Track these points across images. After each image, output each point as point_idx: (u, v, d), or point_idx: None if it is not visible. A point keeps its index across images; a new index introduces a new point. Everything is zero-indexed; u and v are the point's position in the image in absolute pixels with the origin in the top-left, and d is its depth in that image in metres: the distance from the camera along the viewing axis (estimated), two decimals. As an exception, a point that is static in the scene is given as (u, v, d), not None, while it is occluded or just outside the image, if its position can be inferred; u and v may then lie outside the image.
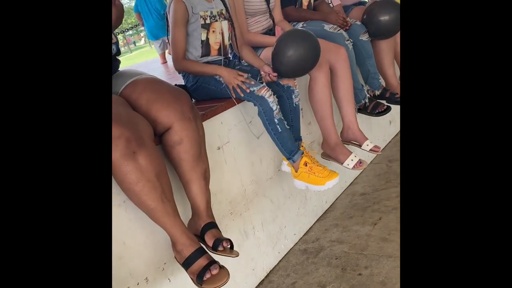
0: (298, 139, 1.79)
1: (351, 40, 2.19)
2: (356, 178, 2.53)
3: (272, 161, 1.90)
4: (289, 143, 1.70)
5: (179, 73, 1.80)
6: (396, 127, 3.00)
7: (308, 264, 1.85)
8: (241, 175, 1.74)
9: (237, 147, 1.72)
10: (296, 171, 1.76)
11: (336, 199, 2.35)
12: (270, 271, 1.86)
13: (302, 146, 1.77)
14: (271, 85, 1.70)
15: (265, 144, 1.84)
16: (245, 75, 1.61)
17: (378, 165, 2.61)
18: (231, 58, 1.88)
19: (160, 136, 1.33)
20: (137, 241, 1.32)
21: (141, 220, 1.32)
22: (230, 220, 1.67)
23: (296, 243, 2.03)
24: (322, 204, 2.25)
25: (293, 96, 1.75)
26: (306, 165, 1.72)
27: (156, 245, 1.37)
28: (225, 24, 1.75)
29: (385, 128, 2.87)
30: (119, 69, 1.47)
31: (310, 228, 2.13)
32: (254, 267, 1.79)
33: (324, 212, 2.24)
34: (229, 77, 1.61)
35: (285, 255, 1.96)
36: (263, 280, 1.82)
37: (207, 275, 1.22)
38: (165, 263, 1.39)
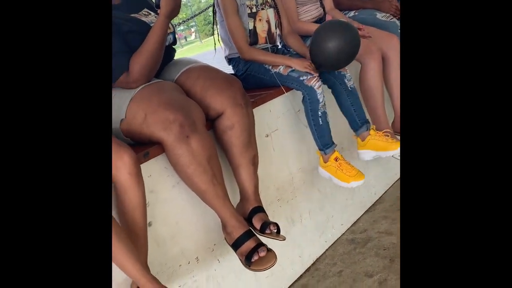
0: (364, 122, 1.76)
1: (405, 28, 2.13)
2: (406, 170, 2.46)
3: (320, 150, 1.89)
4: (326, 136, 1.68)
5: (229, 63, 1.84)
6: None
7: (355, 254, 1.84)
8: (288, 163, 1.76)
9: (285, 135, 1.73)
10: (325, 162, 1.74)
11: (386, 191, 2.31)
12: (317, 259, 1.87)
13: (371, 128, 1.75)
14: (322, 72, 1.69)
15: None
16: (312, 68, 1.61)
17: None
18: (279, 46, 1.89)
19: (212, 121, 1.37)
20: (189, 222, 1.38)
21: (193, 202, 1.37)
22: (277, 207, 1.70)
23: (344, 233, 2.02)
24: (371, 196, 2.21)
25: (346, 80, 1.73)
26: (336, 160, 1.70)
27: (207, 227, 1.42)
28: (271, 12, 1.77)
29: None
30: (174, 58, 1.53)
31: (358, 219, 2.11)
32: (301, 254, 1.80)
33: (373, 204, 2.21)
34: (301, 67, 1.62)
35: (332, 244, 1.95)
36: (309, 267, 1.83)
37: (255, 257, 1.25)
38: (214, 244, 1.45)
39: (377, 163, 2.06)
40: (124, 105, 1.27)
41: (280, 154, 1.71)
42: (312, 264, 1.85)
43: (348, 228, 2.05)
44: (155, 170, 1.28)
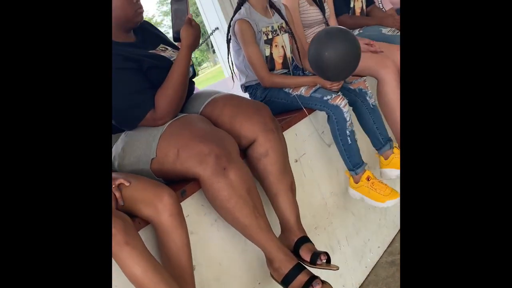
0: (387, 140, 1.71)
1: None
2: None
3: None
4: (356, 155, 1.62)
5: (245, 91, 1.79)
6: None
7: (399, 276, 1.73)
8: (320, 187, 1.68)
9: (313, 158, 1.67)
10: (356, 183, 1.67)
11: (415, 207, 2.22)
12: (360, 286, 1.76)
13: (395, 147, 1.69)
14: (343, 92, 1.65)
15: (338, 154, 1.77)
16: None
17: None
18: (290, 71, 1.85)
19: (244, 151, 1.30)
20: (231, 261, 1.28)
21: (233, 239, 1.29)
22: (316, 235, 1.60)
23: (381, 255, 1.92)
24: (402, 213, 2.13)
25: (367, 98, 1.69)
26: (368, 180, 1.64)
27: (249, 264, 1.32)
28: (286, 37, 1.74)
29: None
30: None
31: (393, 239, 2.01)
32: (344, 284, 1.69)
33: (405, 222, 2.12)
34: (325, 85, 1.57)
35: (373, 268, 1.85)
36: (353, 297, 1.72)
37: (311, 291, 1.15)
38: (259, 283, 1.34)
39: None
40: (154, 143, 1.20)
41: (311, 179, 1.64)
42: (356, 293, 1.74)
43: (385, 250, 1.95)
44: (192, 209, 1.20)
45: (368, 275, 1.82)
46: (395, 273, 1.76)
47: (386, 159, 1.74)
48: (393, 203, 1.62)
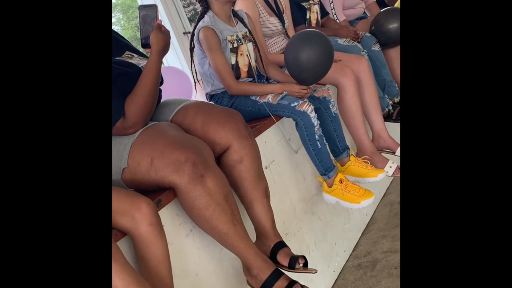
0: (345, 148, 1.76)
1: (366, 51, 2.23)
2: (388, 188, 2.49)
3: (314, 177, 1.85)
4: (326, 159, 1.66)
5: (210, 100, 1.78)
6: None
7: (367, 278, 1.78)
8: (289, 194, 1.69)
9: (281, 165, 1.68)
10: (330, 187, 1.71)
11: (375, 211, 2.30)
12: (329, 291, 1.78)
13: (351, 154, 1.74)
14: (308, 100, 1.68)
15: (304, 160, 1.80)
16: (306, 87, 1.60)
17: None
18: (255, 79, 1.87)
19: (217, 158, 1.28)
20: (208, 271, 1.25)
21: (208, 248, 1.26)
22: (287, 241, 1.59)
23: (348, 259, 1.96)
24: (364, 218, 2.19)
25: (330, 106, 1.74)
26: (341, 182, 1.68)
27: (226, 273, 1.30)
28: (250, 46, 1.75)
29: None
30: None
31: (357, 242, 2.06)
32: (315, 289, 1.71)
33: (367, 226, 2.19)
34: (293, 91, 1.60)
35: (340, 272, 1.88)
36: (325, 301, 1.74)
37: (291, 296, 1.15)
38: (236, 292, 1.32)
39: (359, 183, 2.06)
40: (125, 153, 1.15)
41: (280, 185, 1.65)
42: (327, 297, 1.76)
43: (351, 254, 1.99)
44: (167, 219, 1.16)
45: (337, 279, 1.85)
46: (362, 276, 1.80)
47: (342, 166, 1.79)
48: (368, 203, 1.65)
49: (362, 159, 1.80)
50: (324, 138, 1.64)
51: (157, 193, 1.15)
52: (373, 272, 1.80)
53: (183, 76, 2.64)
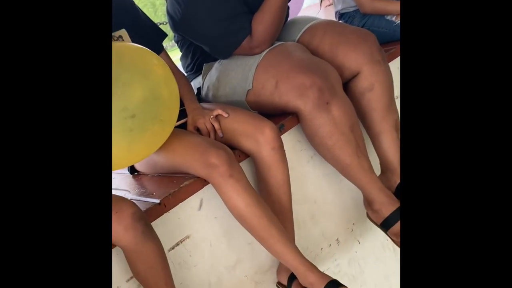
0: None
1: None
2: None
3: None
4: None
5: (340, 19, 1.63)
6: None
7: None
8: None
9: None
10: None
11: None
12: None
13: None
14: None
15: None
16: None
17: None
18: None
19: (346, 83, 1.19)
20: (326, 200, 1.23)
21: (328, 177, 1.22)
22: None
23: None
24: None
25: None
26: None
27: (344, 204, 1.26)
28: None
29: None
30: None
31: None
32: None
33: None
34: None
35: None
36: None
37: (415, 237, 1.07)
38: (353, 224, 1.29)
39: None
40: (250, 74, 1.13)
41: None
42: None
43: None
44: (288, 144, 1.13)
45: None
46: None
47: None
48: None
49: None
50: None
51: (280, 117, 1.12)
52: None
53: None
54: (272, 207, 1.00)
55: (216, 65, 1.24)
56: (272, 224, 0.93)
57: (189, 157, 0.92)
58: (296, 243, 1.11)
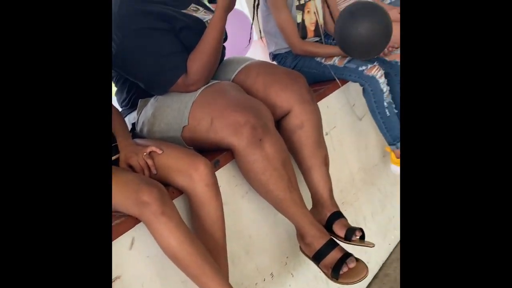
0: None
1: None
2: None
3: (376, 147, 1.77)
4: (395, 128, 1.56)
5: (273, 59, 1.72)
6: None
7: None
8: (348, 162, 1.63)
9: (343, 132, 1.61)
10: (398, 158, 1.62)
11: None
12: (383, 263, 1.74)
13: None
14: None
15: (368, 128, 1.71)
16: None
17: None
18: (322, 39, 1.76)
19: (278, 121, 1.25)
20: (261, 234, 1.25)
21: (263, 211, 1.25)
22: (343, 210, 1.55)
23: (405, 233, 1.89)
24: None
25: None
26: None
27: (279, 237, 1.29)
28: (318, 2, 1.65)
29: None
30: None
31: (417, 217, 1.98)
32: (368, 260, 1.66)
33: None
34: None
35: (396, 246, 1.82)
36: (377, 273, 1.70)
37: (344, 269, 1.12)
38: (287, 257, 1.32)
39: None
40: (186, 111, 1.15)
41: (340, 153, 1.58)
42: (380, 270, 1.71)
43: (409, 228, 1.92)
44: (223, 179, 1.15)
45: (392, 252, 1.79)
46: (419, 252, 1.73)
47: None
48: None
49: None
50: (394, 105, 1.53)
51: (215, 153, 1.14)
52: (432, 249, 1.72)
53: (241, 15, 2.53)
54: (206, 244, 1.00)
55: (152, 101, 1.24)
56: (205, 262, 0.93)
57: (121, 194, 0.90)
58: (231, 278, 1.11)
